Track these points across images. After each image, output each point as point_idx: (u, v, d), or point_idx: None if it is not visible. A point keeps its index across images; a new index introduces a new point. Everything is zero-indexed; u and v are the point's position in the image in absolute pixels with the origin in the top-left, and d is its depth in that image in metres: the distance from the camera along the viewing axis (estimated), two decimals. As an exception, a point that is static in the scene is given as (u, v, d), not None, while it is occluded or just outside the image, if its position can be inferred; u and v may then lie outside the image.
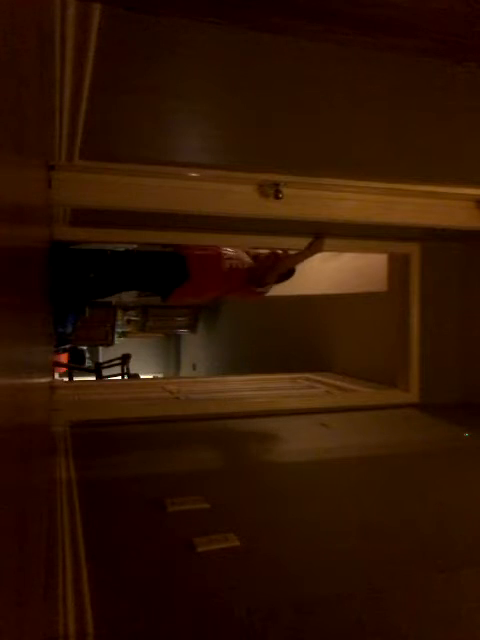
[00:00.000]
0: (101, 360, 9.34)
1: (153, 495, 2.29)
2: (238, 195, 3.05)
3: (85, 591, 1.53)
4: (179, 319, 10.19)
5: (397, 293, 4.53)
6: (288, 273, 4.12)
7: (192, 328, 10.33)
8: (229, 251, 3.94)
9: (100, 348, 10.30)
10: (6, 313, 0.65)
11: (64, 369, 8.05)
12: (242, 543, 1.84)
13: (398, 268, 4.51)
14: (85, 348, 9.64)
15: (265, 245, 4.12)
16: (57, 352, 7.23)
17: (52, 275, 3.35)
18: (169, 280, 3.85)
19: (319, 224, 3.56)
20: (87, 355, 9.83)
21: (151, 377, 9.97)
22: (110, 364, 8.29)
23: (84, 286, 3.93)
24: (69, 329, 6.01)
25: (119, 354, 8.49)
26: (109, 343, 9.28)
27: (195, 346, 10.51)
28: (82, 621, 1.39)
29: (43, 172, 2.29)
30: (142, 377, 8.86)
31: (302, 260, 4.04)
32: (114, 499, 2.32)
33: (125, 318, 10.02)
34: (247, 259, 3.96)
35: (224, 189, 3.01)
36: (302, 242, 4.25)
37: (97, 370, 8.15)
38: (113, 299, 8.86)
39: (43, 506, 1.71)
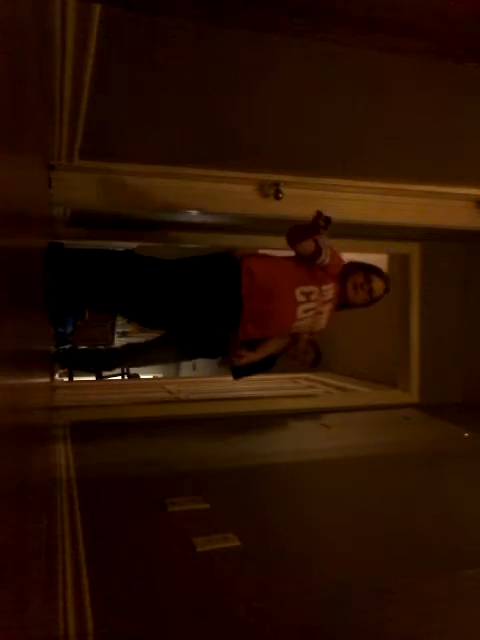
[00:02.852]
0: (101, 360, 9.31)
1: (153, 495, 2.28)
2: (238, 195, 3.05)
3: (85, 591, 1.53)
4: (179, 319, 10.16)
5: (397, 293, 4.53)
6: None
7: (192, 328, 10.30)
8: (307, 306, 2.67)
9: (100, 348, 10.28)
10: (6, 313, 0.65)
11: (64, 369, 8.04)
12: (242, 543, 1.84)
13: (398, 268, 4.51)
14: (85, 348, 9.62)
15: (265, 245, 4.10)
16: (57, 352, 7.20)
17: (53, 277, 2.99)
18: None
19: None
20: (87, 355, 9.81)
21: (151, 377, 9.95)
22: (110, 364, 8.27)
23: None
24: (69, 329, 6.01)
25: (119, 354, 8.47)
26: (109, 343, 9.27)
27: (195, 346, 10.48)
28: (82, 621, 1.39)
29: (43, 172, 2.29)
30: (142, 377, 8.84)
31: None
32: (114, 499, 2.31)
33: (125, 318, 10.01)
34: (326, 313, 2.81)
35: (224, 189, 3.01)
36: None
37: (97, 370, 8.13)
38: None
39: (43, 505, 1.71)
